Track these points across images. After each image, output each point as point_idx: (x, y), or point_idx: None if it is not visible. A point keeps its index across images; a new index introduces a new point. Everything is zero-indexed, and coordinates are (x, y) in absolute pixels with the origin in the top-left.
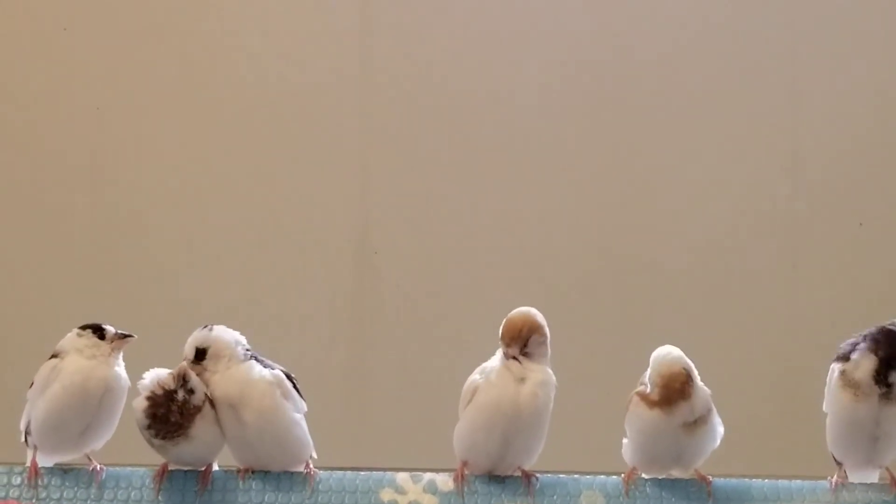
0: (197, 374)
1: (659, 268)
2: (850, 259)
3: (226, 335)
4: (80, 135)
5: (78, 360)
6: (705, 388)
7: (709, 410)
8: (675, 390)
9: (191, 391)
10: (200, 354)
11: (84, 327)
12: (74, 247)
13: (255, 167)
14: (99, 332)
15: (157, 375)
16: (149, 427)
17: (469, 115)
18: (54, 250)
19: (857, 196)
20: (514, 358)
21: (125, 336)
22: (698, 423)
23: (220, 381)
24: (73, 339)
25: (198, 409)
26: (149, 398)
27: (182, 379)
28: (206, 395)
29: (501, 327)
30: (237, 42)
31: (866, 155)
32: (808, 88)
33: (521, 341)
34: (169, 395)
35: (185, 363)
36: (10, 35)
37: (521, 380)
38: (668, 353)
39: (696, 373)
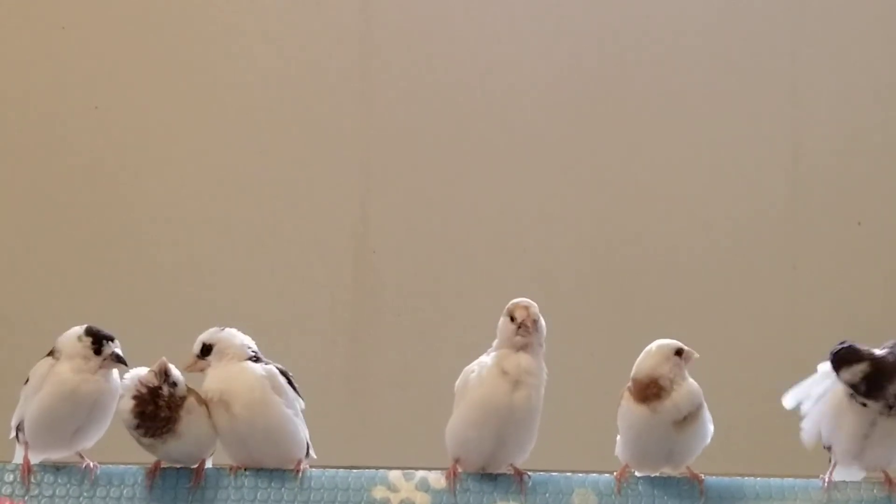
0: (199, 370)
1: (657, 267)
2: (850, 258)
3: (234, 337)
4: (78, 134)
5: (68, 368)
6: (694, 384)
7: (699, 407)
8: (649, 390)
9: (174, 384)
10: (206, 350)
11: (88, 332)
12: (72, 246)
13: (254, 167)
14: (97, 344)
15: (137, 375)
16: (137, 427)
17: (469, 114)
18: (52, 249)
19: (856, 195)
20: (525, 327)
21: (119, 360)
22: (688, 420)
23: (211, 377)
24: (71, 342)
25: (183, 399)
26: (135, 398)
27: (164, 374)
28: (188, 387)
29: (510, 311)
30: (237, 41)
31: (865, 154)
32: (807, 88)
33: (533, 316)
34: (154, 391)
35: (163, 358)
36: (7, 33)
37: (517, 382)
38: (648, 350)
39: (668, 373)
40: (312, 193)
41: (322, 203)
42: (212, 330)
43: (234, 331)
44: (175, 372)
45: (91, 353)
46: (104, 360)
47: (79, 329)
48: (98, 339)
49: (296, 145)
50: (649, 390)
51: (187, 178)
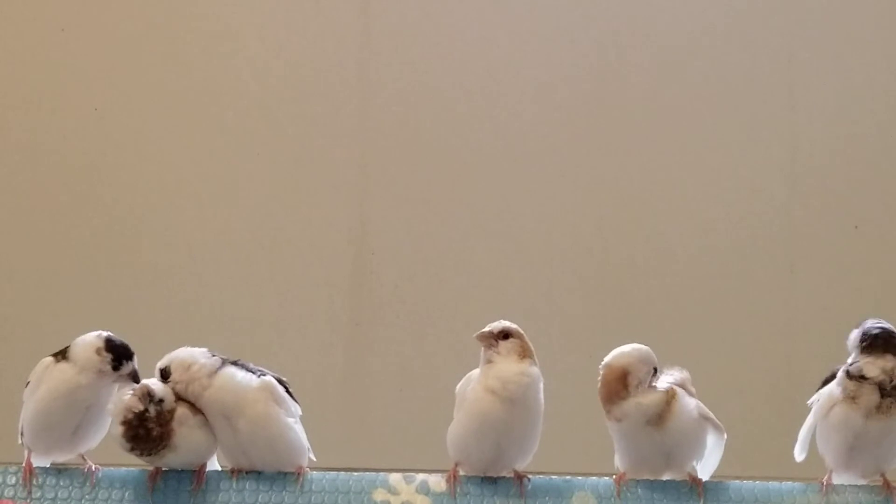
0: (172, 389)
1: (656, 271)
2: (847, 262)
3: (183, 352)
4: (78, 136)
5: (73, 370)
6: (658, 386)
7: (658, 411)
8: (608, 392)
9: (160, 401)
10: (164, 374)
11: (110, 348)
12: (72, 247)
13: (253, 169)
14: (118, 361)
15: (121, 401)
16: (132, 449)
17: (467, 117)
18: (52, 252)
19: (854, 199)
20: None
21: (135, 380)
22: (663, 418)
23: (210, 392)
24: (88, 353)
25: (172, 412)
26: (123, 423)
27: (148, 397)
28: (175, 399)
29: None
30: (236, 44)
31: (862, 159)
32: (804, 92)
33: (493, 330)
34: (140, 415)
35: (144, 382)
36: (7, 36)
37: (510, 400)
38: (610, 355)
39: (640, 373)
40: (311, 195)
41: (321, 205)
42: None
43: (181, 349)
44: (157, 389)
45: (109, 369)
46: (119, 377)
47: (98, 340)
48: (118, 357)
49: (295, 147)
50: (618, 384)
51: (186, 180)
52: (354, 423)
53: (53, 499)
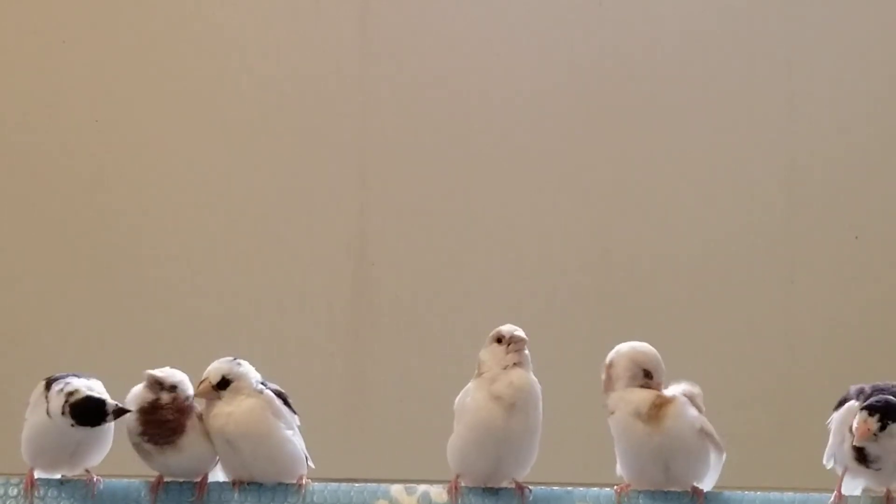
0: (209, 400)
1: (654, 280)
2: (847, 272)
3: (251, 373)
4: (78, 147)
5: (50, 422)
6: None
7: (659, 404)
8: (603, 384)
9: (172, 388)
10: (224, 384)
11: (82, 415)
12: (72, 259)
13: (253, 180)
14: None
15: (135, 394)
16: (142, 433)
17: (468, 127)
18: (52, 263)
19: (853, 209)
20: (516, 341)
21: (119, 414)
22: (657, 418)
23: (217, 410)
24: (57, 408)
25: (191, 408)
26: (138, 411)
27: (157, 384)
28: (192, 399)
29: (495, 335)
30: (237, 55)
31: (862, 168)
32: (804, 101)
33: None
34: (154, 402)
35: (149, 372)
36: (8, 47)
37: (512, 406)
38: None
39: (620, 368)
40: (311, 206)
41: (320, 216)
42: (231, 363)
43: (248, 365)
44: (166, 377)
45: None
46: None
47: (61, 397)
48: (96, 419)
49: (294, 158)
50: (606, 376)
51: (187, 191)
52: (355, 433)
53: None
